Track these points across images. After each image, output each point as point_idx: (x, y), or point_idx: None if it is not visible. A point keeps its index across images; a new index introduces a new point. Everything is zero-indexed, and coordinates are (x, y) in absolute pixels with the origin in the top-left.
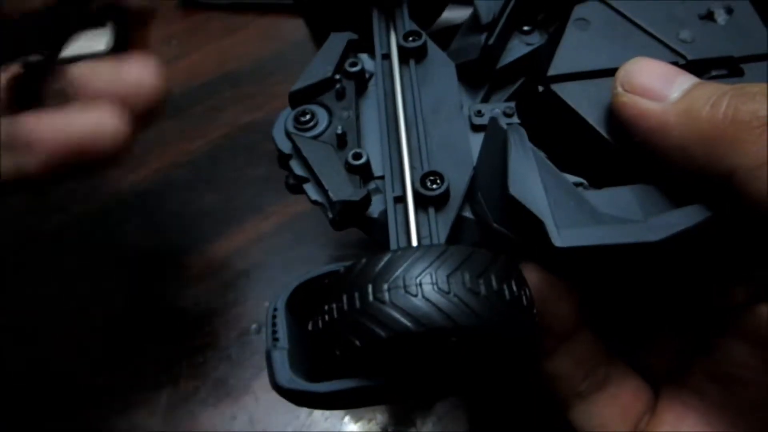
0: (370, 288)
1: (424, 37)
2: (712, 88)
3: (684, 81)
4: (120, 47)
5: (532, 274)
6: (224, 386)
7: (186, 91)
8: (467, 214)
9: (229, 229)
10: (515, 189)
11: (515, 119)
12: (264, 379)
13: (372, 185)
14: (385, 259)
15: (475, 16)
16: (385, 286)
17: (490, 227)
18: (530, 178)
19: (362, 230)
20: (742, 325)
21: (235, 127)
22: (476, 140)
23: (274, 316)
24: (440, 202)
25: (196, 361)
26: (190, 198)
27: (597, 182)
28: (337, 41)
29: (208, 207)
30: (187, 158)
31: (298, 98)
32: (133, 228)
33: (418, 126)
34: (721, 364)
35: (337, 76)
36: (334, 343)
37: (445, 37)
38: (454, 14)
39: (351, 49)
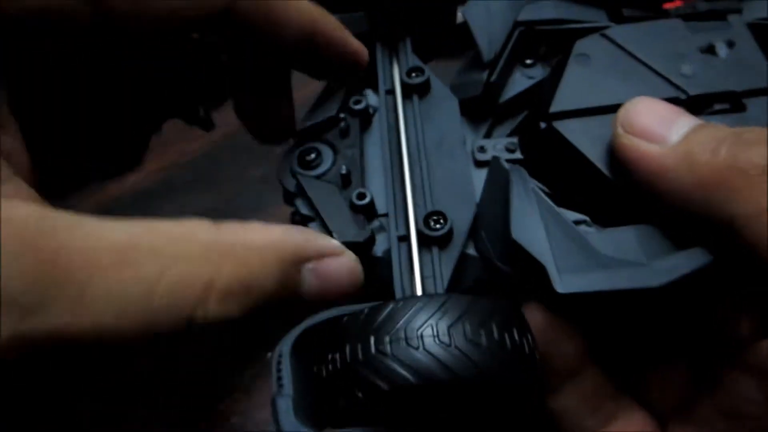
0: (372, 340)
1: (427, 72)
2: (712, 133)
3: (684, 123)
4: None
5: (535, 315)
6: (223, 387)
7: None
8: (471, 251)
9: None
10: (517, 233)
11: (518, 155)
12: (261, 380)
13: (376, 223)
14: (387, 309)
15: (476, 53)
16: (387, 339)
17: (493, 265)
18: (532, 221)
19: (366, 269)
20: (748, 359)
21: (235, 127)
22: (479, 176)
23: (279, 362)
24: (443, 241)
25: (196, 362)
26: (190, 198)
27: (600, 218)
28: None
29: (208, 207)
30: (187, 158)
31: (303, 137)
32: None
33: (421, 162)
34: (728, 399)
35: (342, 115)
36: (337, 393)
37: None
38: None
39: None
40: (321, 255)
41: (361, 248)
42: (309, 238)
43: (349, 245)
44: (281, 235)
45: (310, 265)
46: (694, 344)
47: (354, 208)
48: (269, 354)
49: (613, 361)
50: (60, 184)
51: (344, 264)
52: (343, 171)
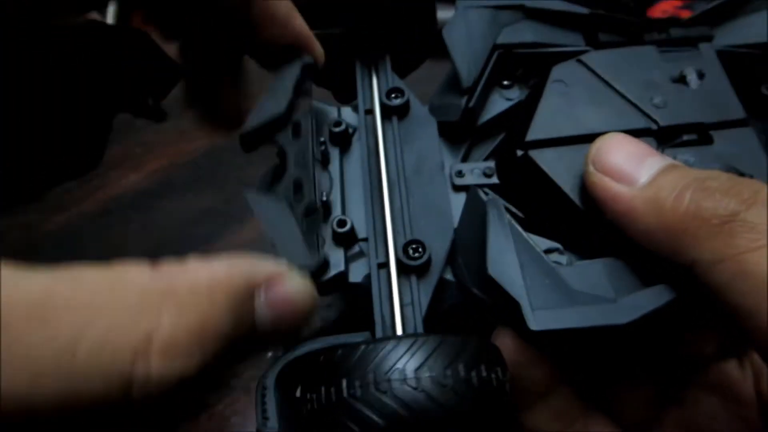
0: (344, 384)
1: (407, 93)
2: (677, 177)
3: (652, 164)
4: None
5: (506, 341)
6: (223, 387)
7: None
8: (449, 276)
9: (229, 229)
10: (493, 269)
11: (495, 179)
12: None
13: (356, 249)
14: (359, 352)
15: (455, 76)
16: (358, 383)
17: (470, 291)
18: (508, 258)
19: (346, 294)
20: (711, 378)
21: None
22: (457, 200)
23: (263, 395)
24: (422, 270)
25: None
26: (190, 198)
27: (572, 246)
28: (290, 73)
29: (208, 207)
30: (187, 158)
31: (252, 140)
32: (133, 228)
33: (400, 188)
34: (692, 415)
35: (322, 138)
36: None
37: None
38: (445, 15)
39: (306, 76)
40: (270, 281)
41: (312, 276)
42: (255, 263)
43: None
44: (227, 269)
45: (261, 296)
46: (660, 363)
47: (335, 236)
48: (270, 354)
49: (582, 378)
50: (21, 189)
51: (295, 287)
52: (324, 198)
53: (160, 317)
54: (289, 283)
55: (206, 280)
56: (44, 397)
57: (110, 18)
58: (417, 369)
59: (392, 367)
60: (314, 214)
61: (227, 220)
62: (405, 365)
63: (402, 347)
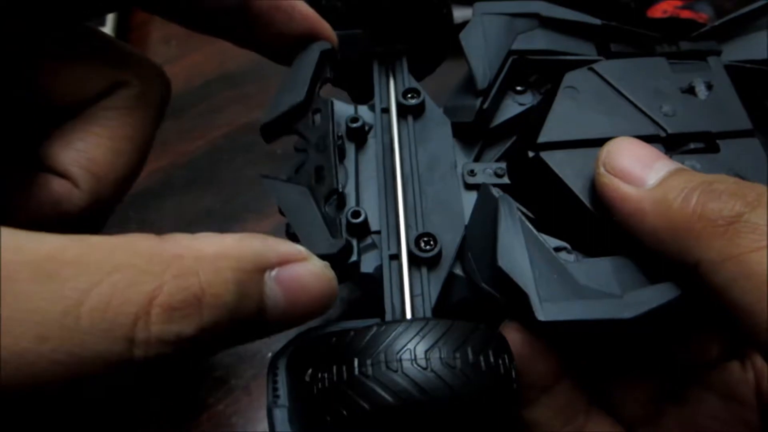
0: (356, 362)
1: (423, 94)
2: (685, 180)
3: (661, 167)
4: None
5: (513, 334)
6: (224, 386)
7: (186, 91)
8: (458, 271)
9: (229, 229)
10: (503, 261)
11: (505, 180)
12: (261, 380)
13: (368, 240)
14: (371, 333)
15: (470, 79)
16: (369, 361)
17: (478, 286)
18: (518, 251)
19: (358, 285)
20: (714, 378)
21: (235, 127)
22: (468, 198)
23: (275, 374)
24: (432, 262)
25: (196, 361)
26: (190, 198)
27: (580, 245)
28: (307, 59)
29: (208, 207)
30: (187, 158)
31: (272, 131)
32: (133, 228)
33: (414, 184)
34: (693, 414)
35: (339, 133)
36: (325, 409)
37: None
38: (458, 14)
39: (325, 61)
40: (283, 261)
41: (336, 260)
42: (269, 242)
43: (322, 258)
44: (236, 242)
45: (273, 273)
46: (663, 361)
47: (349, 227)
48: (270, 354)
49: (585, 373)
50: None
51: (310, 270)
52: (341, 190)
53: (163, 280)
54: (304, 266)
55: (213, 250)
56: (51, 355)
57: (109, 24)
58: (427, 350)
59: (403, 347)
60: (334, 198)
61: (227, 220)
62: (415, 346)
63: (413, 330)
